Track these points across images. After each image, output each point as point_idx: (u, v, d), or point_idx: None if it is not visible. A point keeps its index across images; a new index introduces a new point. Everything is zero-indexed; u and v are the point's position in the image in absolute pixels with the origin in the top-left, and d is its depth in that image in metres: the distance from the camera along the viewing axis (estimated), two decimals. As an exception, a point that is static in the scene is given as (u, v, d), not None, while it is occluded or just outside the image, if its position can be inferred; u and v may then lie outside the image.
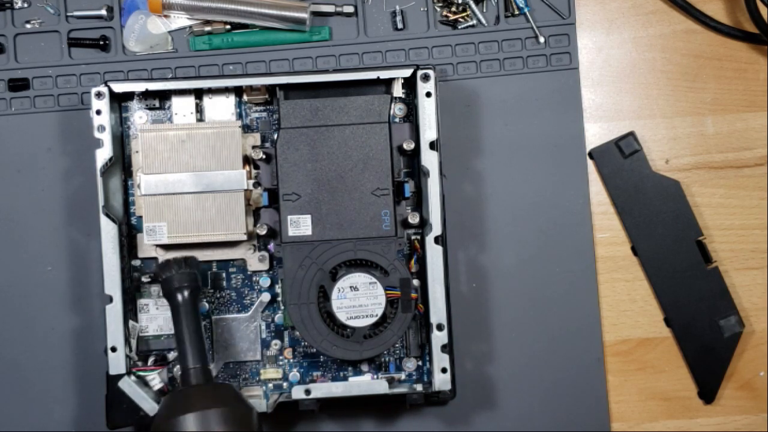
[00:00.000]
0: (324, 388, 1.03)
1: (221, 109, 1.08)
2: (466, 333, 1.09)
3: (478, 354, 1.09)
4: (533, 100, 1.10)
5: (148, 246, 1.06)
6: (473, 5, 1.10)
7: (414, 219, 1.04)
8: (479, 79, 1.10)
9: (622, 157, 1.10)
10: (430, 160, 1.03)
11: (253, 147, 1.06)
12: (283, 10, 1.08)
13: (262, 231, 1.04)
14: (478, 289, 1.09)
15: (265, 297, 1.07)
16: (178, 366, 1.05)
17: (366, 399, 1.03)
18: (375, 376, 1.07)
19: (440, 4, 1.10)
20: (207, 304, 1.08)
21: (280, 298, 1.08)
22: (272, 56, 1.10)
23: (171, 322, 1.05)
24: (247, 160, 1.06)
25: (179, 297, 1.00)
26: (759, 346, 1.10)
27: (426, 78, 1.04)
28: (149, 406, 1.02)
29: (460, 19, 1.10)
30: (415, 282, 1.06)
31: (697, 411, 1.10)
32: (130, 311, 1.05)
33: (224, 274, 1.08)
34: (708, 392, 1.09)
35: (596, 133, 1.11)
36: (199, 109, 1.07)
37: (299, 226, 1.03)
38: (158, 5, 1.07)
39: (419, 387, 1.05)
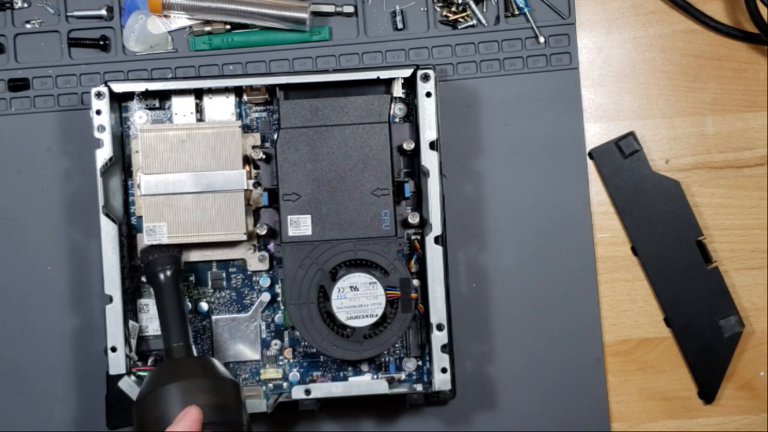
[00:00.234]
0: (324, 388, 1.03)
1: (221, 109, 1.08)
2: (466, 333, 1.09)
3: (478, 354, 1.09)
4: (533, 100, 1.10)
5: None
6: (473, 5, 1.10)
7: (414, 219, 1.04)
8: (479, 79, 1.10)
9: (622, 157, 1.10)
10: (430, 160, 1.03)
11: (253, 147, 1.06)
12: (283, 10, 1.08)
13: (262, 231, 1.04)
14: (478, 289, 1.09)
15: (265, 297, 1.07)
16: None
17: (366, 399, 1.03)
18: (375, 376, 1.07)
19: (440, 4, 1.10)
20: (207, 304, 1.08)
21: (280, 298, 1.08)
22: (272, 56, 1.10)
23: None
24: (247, 160, 1.06)
25: (161, 277, 1.00)
26: (759, 346, 1.10)
27: (426, 78, 1.04)
28: (149, 406, 1.02)
29: (460, 19, 1.10)
30: (415, 282, 1.06)
31: (697, 411, 1.10)
32: (130, 311, 1.05)
33: (224, 274, 1.08)
34: (708, 392, 1.09)
35: (596, 133, 1.11)
36: (199, 109, 1.07)
37: (299, 226, 1.03)
38: (158, 5, 1.07)
39: (419, 387, 1.05)
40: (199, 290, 1.08)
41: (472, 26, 1.10)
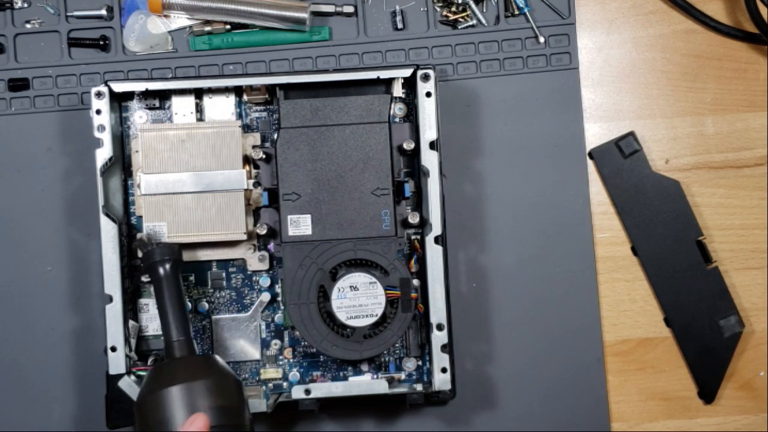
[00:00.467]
0: (324, 388, 1.03)
1: (221, 108, 1.08)
2: (466, 333, 1.09)
3: (478, 354, 1.09)
4: (533, 100, 1.10)
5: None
6: (473, 5, 1.10)
7: (414, 219, 1.04)
8: (479, 79, 1.10)
9: (622, 157, 1.10)
10: (430, 160, 1.03)
11: (253, 147, 1.06)
12: (283, 10, 1.08)
13: (262, 231, 1.04)
14: (478, 289, 1.09)
15: (265, 297, 1.07)
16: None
17: (366, 399, 1.03)
18: (375, 376, 1.07)
19: (440, 4, 1.10)
20: (207, 304, 1.08)
21: (280, 298, 1.08)
22: (272, 56, 1.10)
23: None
24: (247, 160, 1.06)
25: (161, 270, 1.00)
26: (759, 346, 1.10)
27: (426, 78, 1.04)
28: (149, 406, 1.02)
29: (460, 19, 1.10)
30: (415, 282, 1.06)
31: (697, 411, 1.10)
32: (130, 311, 1.05)
33: (224, 274, 1.08)
34: (708, 392, 1.09)
35: (596, 133, 1.11)
36: (199, 109, 1.07)
37: (299, 225, 1.03)
38: (158, 5, 1.07)
39: (419, 387, 1.05)
40: (199, 290, 1.08)
41: (472, 26, 1.10)
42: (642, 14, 1.12)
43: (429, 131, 1.04)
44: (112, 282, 1.02)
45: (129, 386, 1.02)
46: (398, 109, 1.08)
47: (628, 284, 1.10)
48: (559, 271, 1.09)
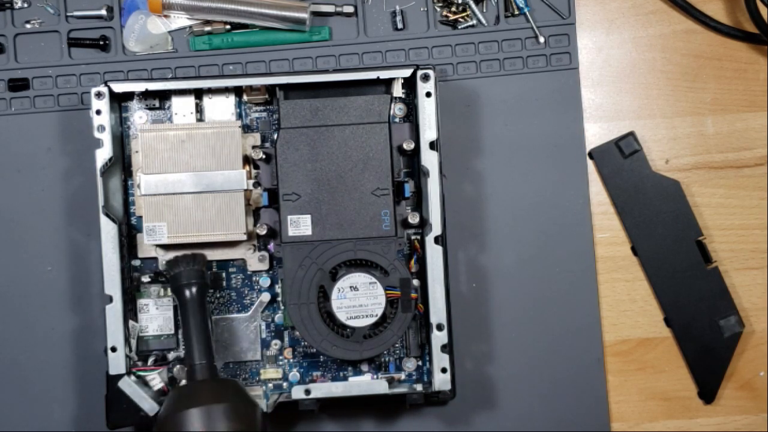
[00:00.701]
0: (324, 388, 1.03)
1: (221, 109, 1.08)
2: (466, 333, 1.09)
3: (478, 354, 1.09)
4: (533, 100, 1.10)
5: (148, 246, 1.06)
6: (473, 5, 1.10)
7: (414, 219, 1.04)
8: (479, 79, 1.10)
9: (622, 157, 1.10)
10: (430, 160, 1.03)
11: (253, 147, 1.06)
12: (283, 10, 1.08)
13: (262, 231, 1.04)
14: (478, 289, 1.09)
15: (265, 297, 1.07)
16: (178, 366, 1.05)
17: (366, 399, 1.03)
18: (375, 376, 1.07)
19: (440, 4, 1.10)
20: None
21: (280, 298, 1.08)
22: (272, 56, 1.10)
23: (171, 322, 1.06)
24: (247, 160, 1.06)
25: (187, 293, 1.00)
26: (759, 346, 1.10)
27: (426, 78, 1.04)
28: (149, 406, 1.02)
29: (460, 19, 1.10)
30: (415, 282, 1.06)
31: (697, 411, 1.10)
32: (130, 311, 1.05)
33: (224, 274, 1.08)
34: (708, 392, 1.09)
35: (596, 133, 1.11)
36: (199, 109, 1.07)
37: (299, 226, 1.03)
38: (158, 5, 1.07)
39: (419, 387, 1.05)
40: (199, 290, 1.08)
41: (472, 26, 1.10)
42: (642, 14, 1.12)
43: (429, 131, 1.04)
44: (112, 282, 1.02)
45: (129, 386, 1.02)
46: (398, 109, 1.08)
47: (628, 284, 1.10)
48: (559, 271, 1.09)
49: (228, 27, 1.10)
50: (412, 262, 1.07)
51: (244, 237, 1.04)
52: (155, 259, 1.07)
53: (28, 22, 1.10)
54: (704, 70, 1.11)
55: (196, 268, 1.01)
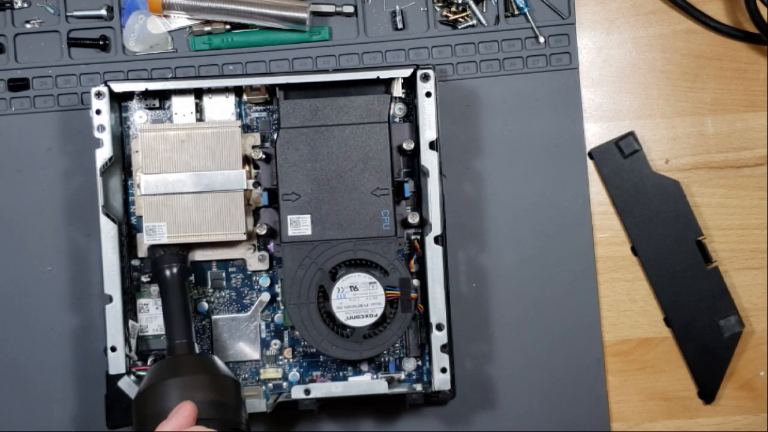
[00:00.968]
0: (324, 388, 1.03)
1: (221, 109, 1.08)
2: (466, 333, 1.09)
3: (478, 354, 1.09)
4: (533, 100, 1.10)
5: (148, 246, 1.06)
6: (473, 5, 1.10)
7: (414, 219, 1.04)
8: (479, 79, 1.10)
9: (622, 157, 1.10)
10: (430, 160, 1.03)
11: (253, 147, 1.06)
12: (283, 10, 1.08)
13: (262, 231, 1.04)
14: (478, 289, 1.09)
15: (265, 297, 1.07)
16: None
17: (366, 399, 1.03)
18: (375, 376, 1.07)
19: (440, 4, 1.10)
20: (207, 304, 1.08)
21: (279, 298, 1.08)
22: (272, 56, 1.10)
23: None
24: (246, 160, 1.06)
25: (166, 273, 1.01)
26: (759, 346, 1.10)
27: (426, 78, 1.04)
28: (149, 406, 1.02)
29: (460, 19, 1.10)
30: (415, 282, 1.05)
31: (697, 411, 1.10)
32: (130, 311, 1.05)
33: (224, 274, 1.08)
34: (708, 392, 1.09)
35: (596, 133, 1.11)
36: (199, 109, 1.07)
37: (299, 225, 1.03)
38: (158, 5, 1.07)
39: (419, 387, 1.05)
40: (199, 290, 1.08)
41: (472, 26, 1.10)
42: (642, 14, 1.12)
43: (429, 131, 1.04)
44: (112, 282, 1.03)
45: (129, 386, 1.02)
46: (398, 109, 1.08)
47: (628, 284, 1.10)
48: (559, 271, 1.09)
49: (228, 27, 1.10)
50: (412, 262, 1.07)
51: (244, 237, 1.04)
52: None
53: (28, 22, 1.10)
54: (704, 70, 1.11)
55: (176, 251, 1.02)
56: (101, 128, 1.03)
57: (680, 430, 1.10)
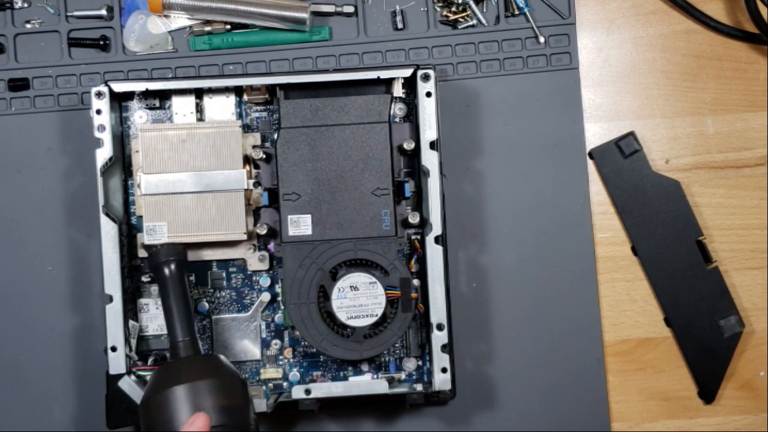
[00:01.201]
0: (324, 388, 1.02)
1: (221, 108, 1.08)
2: (466, 333, 1.09)
3: (478, 354, 1.09)
4: (533, 100, 1.10)
5: (144, 245, 1.06)
6: (473, 5, 1.10)
7: (414, 219, 1.04)
8: (479, 79, 1.10)
9: (622, 157, 1.10)
10: (430, 160, 1.03)
11: (253, 147, 1.06)
12: (283, 10, 1.08)
13: (262, 231, 1.04)
14: (478, 289, 1.09)
15: (265, 297, 1.07)
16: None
17: (366, 399, 1.03)
18: (375, 376, 1.07)
19: (440, 4, 1.10)
20: (207, 304, 1.08)
21: (280, 298, 1.08)
22: (272, 56, 1.10)
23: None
24: (247, 160, 1.06)
25: (165, 270, 1.00)
26: (759, 346, 1.10)
27: (426, 78, 1.04)
28: (149, 406, 1.02)
29: (460, 19, 1.10)
30: (415, 282, 1.06)
31: (697, 411, 1.10)
32: (130, 311, 1.05)
33: (224, 274, 1.08)
34: (708, 392, 1.09)
35: (596, 133, 1.11)
36: (199, 109, 1.07)
37: (299, 225, 1.03)
38: (158, 5, 1.07)
39: (419, 387, 1.05)
40: (199, 290, 1.08)
41: (472, 26, 1.10)
42: (642, 14, 1.12)
43: (429, 131, 1.04)
44: (112, 282, 1.02)
45: (129, 386, 1.02)
46: (398, 109, 1.08)
47: (628, 284, 1.10)
48: (559, 271, 1.09)
49: (228, 27, 1.10)
50: (412, 261, 1.07)
51: (244, 237, 1.04)
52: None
53: (28, 22, 1.10)
54: (704, 70, 1.11)
55: (174, 245, 1.02)
56: (101, 128, 1.03)
57: (680, 430, 1.10)
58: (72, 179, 1.09)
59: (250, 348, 1.07)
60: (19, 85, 1.10)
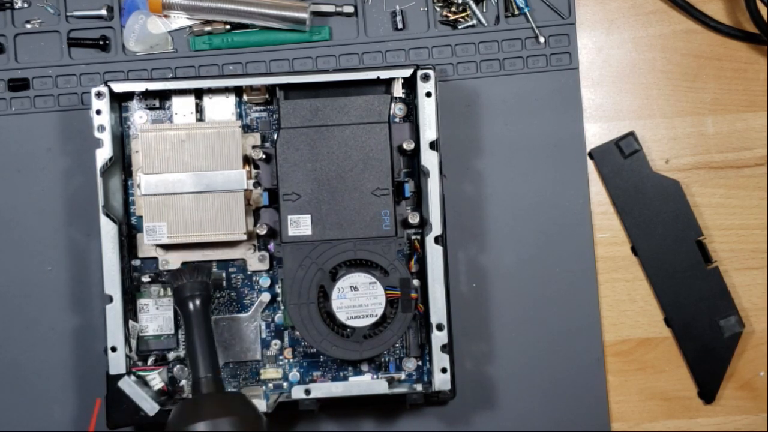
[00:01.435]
0: (324, 388, 1.03)
1: (221, 109, 1.08)
2: (466, 333, 1.09)
3: (478, 354, 1.09)
4: (533, 100, 1.10)
5: (148, 246, 1.06)
6: (473, 5, 1.10)
7: (414, 219, 1.04)
8: (479, 79, 1.10)
9: (622, 157, 1.10)
10: (430, 160, 1.03)
11: (253, 147, 1.06)
12: (283, 10, 1.08)
13: (262, 231, 1.04)
14: (478, 289, 1.09)
15: (265, 297, 1.07)
16: (178, 366, 1.05)
17: (366, 399, 1.03)
18: (375, 376, 1.07)
19: (440, 4, 1.10)
20: (207, 304, 1.08)
21: (280, 298, 1.08)
22: (272, 56, 1.10)
23: (171, 322, 1.06)
24: (247, 160, 1.06)
25: (191, 306, 1.00)
26: (759, 346, 1.10)
27: (426, 78, 1.04)
28: (149, 406, 1.02)
29: (460, 19, 1.10)
30: (415, 282, 1.06)
31: (697, 411, 1.10)
32: (130, 311, 1.05)
33: (224, 274, 1.08)
34: (708, 392, 1.09)
35: (596, 133, 1.11)
36: (199, 109, 1.07)
37: (299, 225, 1.03)
38: (158, 5, 1.07)
39: (419, 387, 1.05)
40: (199, 290, 1.08)
41: (472, 26, 1.10)
42: (642, 14, 1.12)
43: (429, 131, 1.04)
44: (112, 282, 1.02)
45: (129, 386, 1.02)
46: (398, 109, 1.08)
47: (628, 284, 1.10)
48: (559, 271, 1.09)
49: (228, 27, 1.10)
50: (412, 262, 1.07)
51: (244, 237, 1.04)
52: (155, 259, 1.07)
53: (28, 22, 1.10)
54: (704, 70, 1.11)
55: (200, 279, 1.01)
56: (101, 128, 1.03)
57: (680, 430, 1.10)
58: (72, 179, 1.09)
59: (250, 348, 1.07)
60: (19, 85, 1.10)
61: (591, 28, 1.12)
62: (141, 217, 1.05)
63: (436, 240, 1.03)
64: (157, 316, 1.06)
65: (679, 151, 1.11)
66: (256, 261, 1.07)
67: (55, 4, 1.10)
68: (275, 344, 1.07)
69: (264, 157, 1.05)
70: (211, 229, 1.04)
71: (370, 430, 1.09)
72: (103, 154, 1.03)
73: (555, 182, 1.10)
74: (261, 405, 1.02)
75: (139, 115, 1.08)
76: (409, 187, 1.05)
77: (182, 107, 1.07)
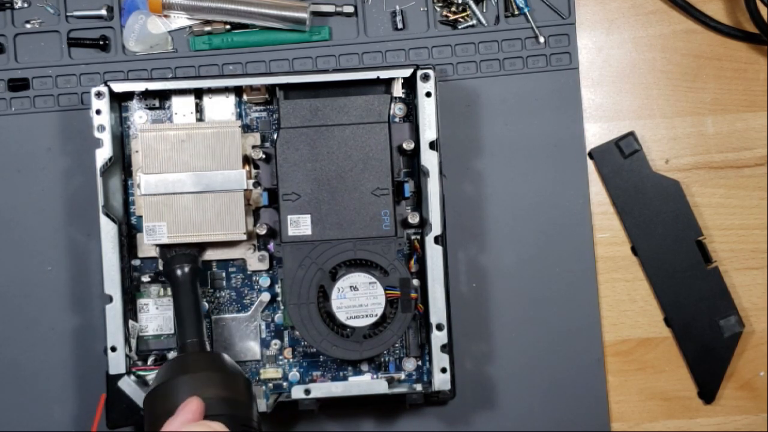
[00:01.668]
0: (324, 388, 1.03)
1: (221, 109, 1.08)
2: (466, 333, 1.09)
3: (478, 354, 1.09)
4: (533, 100, 1.10)
5: (148, 246, 1.06)
6: (473, 5, 1.10)
7: (414, 219, 1.04)
8: (479, 79, 1.10)
9: (622, 157, 1.10)
10: (430, 160, 1.03)
11: (253, 147, 1.06)
12: (283, 10, 1.08)
13: (262, 231, 1.04)
14: (478, 289, 1.09)
15: (265, 297, 1.07)
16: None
17: (366, 399, 1.03)
18: (375, 376, 1.07)
19: (440, 4, 1.10)
20: (207, 304, 1.08)
21: (279, 298, 1.08)
22: (272, 56, 1.10)
23: (171, 322, 1.06)
24: (247, 160, 1.06)
25: (178, 273, 1.01)
26: (759, 346, 1.10)
27: (426, 78, 1.04)
28: (149, 406, 1.02)
29: (460, 19, 1.10)
30: (415, 282, 1.06)
31: (697, 411, 1.10)
32: (130, 311, 1.05)
33: (224, 274, 1.08)
34: (708, 392, 1.09)
35: (596, 133, 1.11)
36: (199, 109, 1.07)
37: (299, 225, 1.03)
38: (158, 5, 1.07)
39: (419, 387, 1.05)
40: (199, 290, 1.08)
41: (472, 26, 1.10)
42: (642, 14, 1.12)
43: (429, 131, 1.04)
44: (112, 282, 1.03)
45: (129, 386, 1.02)
46: (398, 109, 1.08)
47: (628, 284, 1.10)
48: (559, 271, 1.09)
49: (228, 27, 1.10)
50: (412, 262, 1.07)
51: (244, 237, 1.04)
52: (155, 259, 1.07)
53: (28, 22, 1.10)
54: (704, 70, 1.11)
55: (187, 251, 1.03)
56: (101, 128, 1.03)
57: (680, 430, 1.10)
58: (72, 179, 1.09)
59: (249, 348, 1.07)
60: (19, 85, 1.10)
61: (591, 28, 1.12)
62: (141, 217, 1.05)
63: (436, 240, 1.03)
64: (156, 316, 1.06)
65: (679, 151, 1.11)
66: (255, 261, 1.07)
67: (55, 4, 1.10)
68: (275, 344, 1.07)
69: (264, 157, 1.05)
70: (210, 229, 1.04)
71: (370, 430, 1.09)
72: (103, 154, 1.03)
73: (555, 182, 1.10)
74: (261, 405, 1.02)
75: (138, 115, 1.08)
76: (408, 187, 1.05)
77: (182, 107, 1.07)
